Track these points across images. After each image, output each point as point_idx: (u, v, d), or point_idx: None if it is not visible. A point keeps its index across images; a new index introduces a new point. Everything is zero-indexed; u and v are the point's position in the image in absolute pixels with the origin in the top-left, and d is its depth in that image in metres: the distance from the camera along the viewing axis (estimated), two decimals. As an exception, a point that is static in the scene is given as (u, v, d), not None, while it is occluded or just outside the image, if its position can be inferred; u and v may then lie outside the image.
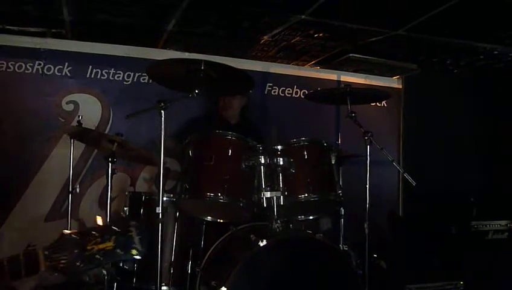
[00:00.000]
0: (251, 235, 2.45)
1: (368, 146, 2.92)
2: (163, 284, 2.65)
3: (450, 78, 4.88)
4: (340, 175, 3.16)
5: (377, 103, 4.71)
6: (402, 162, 4.73)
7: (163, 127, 2.40)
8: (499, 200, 4.52)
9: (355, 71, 4.71)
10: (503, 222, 4.38)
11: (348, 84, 3.26)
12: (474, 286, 3.95)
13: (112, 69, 4.08)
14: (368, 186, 2.96)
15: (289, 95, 4.59)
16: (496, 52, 4.10)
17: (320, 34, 3.81)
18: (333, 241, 3.02)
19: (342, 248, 3.21)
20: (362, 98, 3.27)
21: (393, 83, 4.89)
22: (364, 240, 3.96)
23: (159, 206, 2.36)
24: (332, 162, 2.73)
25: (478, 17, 3.36)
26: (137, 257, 1.26)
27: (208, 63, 2.55)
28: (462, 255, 4.18)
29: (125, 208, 2.98)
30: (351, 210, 3.31)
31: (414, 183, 2.99)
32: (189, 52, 4.20)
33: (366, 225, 2.92)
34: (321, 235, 2.59)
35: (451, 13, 3.22)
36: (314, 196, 2.63)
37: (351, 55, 4.23)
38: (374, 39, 3.85)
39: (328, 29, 3.70)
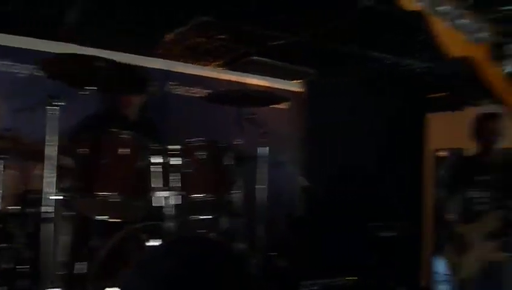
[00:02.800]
0: (143, 235, 2.44)
1: (264, 147, 3.01)
2: (53, 285, 2.56)
3: (348, 83, 5.12)
4: (242, 176, 3.24)
5: (280, 106, 4.85)
6: (303, 164, 4.91)
7: (54, 123, 2.33)
8: (385, 201, 4.83)
9: (258, 74, 4.81)
10: (391, 221, 4.70)
11: (244, 87, 3.33)
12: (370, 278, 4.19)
13: (7, 61, 3.86)
14: (264, 186, 3.04)
15: (193, 95, 4.60)
16: (388, 62, 4.36)
17: (223, 36, 3.86)
18: (231, 241, 3.08)
19: (238, 247, 3.29)
20: (259, 100, 3.34)
21: (295, 86, 5.06)
22: (265, 238, 4.06)
23: (47, 205, 2.28)
24: (230, 163, 2.77)
25: (369, 29, 3.56)
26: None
27: (104, 60, 2.50)
28: (359, 252, 4.43)
29: (12, 207, 2.85)
30: (252, 210, 3.40)
31: (307, 185, 3.12)
32: (90, 47, 4.07)
33: (262, 225, 2.99)
34: (215, 234, 2.63)
35: (351, 24, 3.40)
36: (210, 196, 2.66)
37: (254, 57, 4.33)
38: (276, 43, 3.97)
39: (231, 32, 3.76)
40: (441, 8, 1.24)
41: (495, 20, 1.31)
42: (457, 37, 1.28)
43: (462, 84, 5.22)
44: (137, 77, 2.82)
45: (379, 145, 5.15)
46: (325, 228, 4.44)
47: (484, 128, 3.69)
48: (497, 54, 3.83)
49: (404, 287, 4.51)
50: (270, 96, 3.63)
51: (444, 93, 5.67)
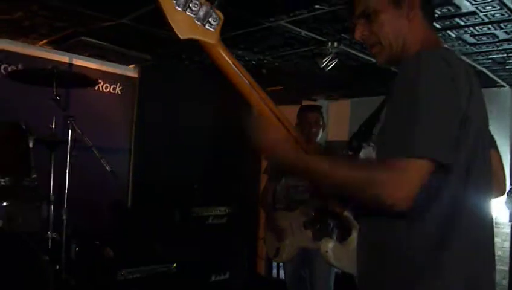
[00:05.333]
0: None
1: (70, 131, 2.88)
2: None
3: (184, 72, 5.12)
4: (53, 160, 3.07)
5: (112, 90, 4.71)
6: (134, 150, 4.81)
7: None
8: (220, 188, 4.93)
9: (89, 56, 4.61)
10: (223, 208, 4.80)
11: (56, 66, 3.15)
12: (191, 265, 4.24)
13: None
14: (68, 172, 2.91)
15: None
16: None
17: (45, 13, 3.61)
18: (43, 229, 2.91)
19: (50, 237, 3.13)
20: (71, 81, 3.18)
21: (130, 71, 4.94)
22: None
23: None
24: (30, 146, 2.60)
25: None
26: None
27: None
28: (184, 239, 4.46)
29: None
30: (75, 198, 3.25)
31: (109, 169, 3.04)
32: None
33: (64, 212, 2.85)
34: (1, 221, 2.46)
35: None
36: (4, 179, 2.48)
37: (82, 38, 4.12)
38: (104, 25, 3.81)
39: (53, 9, 3.53)
40: None
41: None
42: (187, 20, 1.31)
43: (296, 78, 5.51)
44: None
45: (214, 134, 5.23)
46: (154, 215, 4.40)
47: (305, 120, 3.89)
48: (319, 51, 4.07)
49: (236, 272, 4.66)
50: (80, 78, 3.45)
51: (279, 87, 5.93)
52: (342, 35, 3.80)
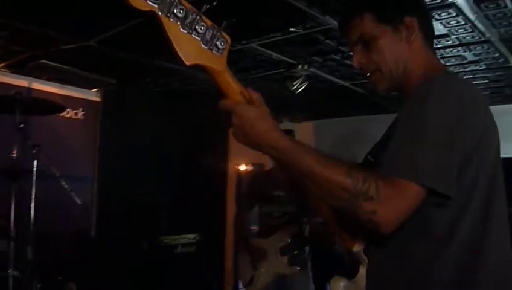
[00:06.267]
0: None
1: (36, 160, 2.69)
2: None
3: (149, 96, 4.98)
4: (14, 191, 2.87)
5: (73, 116, 4.50)
6: (97, 178, 4.59)
7: None
8: (187, 215, 4.77)
9: (48, 79, 4.39)
10: (191, 235, 4.64)
11: (19, 92, 2.96)
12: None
13: None
14: (33, 204, 2.72)
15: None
16: (186, 75, 4.31)
17: (3, 34, 3.41)
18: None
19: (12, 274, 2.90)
20: (36, 108, 3.00)
21: (92, 95, 4.74)
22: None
23: None
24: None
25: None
26: None
27: None
28: (152, 270, 4.27)
29: None
30: (37, 231, 3.04)
31: (80, 203, 2.87)
32: None
33: (29, 249, 2.65)
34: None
35: (141, 31, 3.23)
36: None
37: (42, 61, 3.92)
38: (66, 47, 3.63)
39: (12, 31, 3.33)
40: (176, 11, 1.13)
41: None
42: (193, 44, 1.18)
43: (264, 101, 5.45)
44: None
45: (180, 159, 5.08)
46: (121, 245, 4.20)
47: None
48: (289, 73, 4.04)
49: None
50: (45, 105, 3.27)
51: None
52: (313, 57, 3.77)
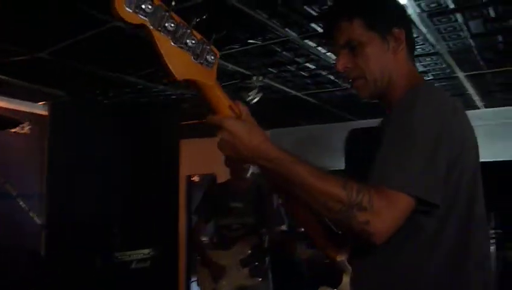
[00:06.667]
0: None
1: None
2: None
3: (100, 108, 4.84)
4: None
5: (19, 130, 4.30)
6: (46, 194, 4.40)
7: None
8: (141, 229, 4.67)
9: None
10: (146, 251, 4.54)
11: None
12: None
13: None
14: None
15: None
16: (140, 87, 4.24)
17: None
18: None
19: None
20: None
21: (39, 109, 4.55)
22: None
23: None
24: None
25: (120, 51, 3.37)
26: None
27: None
28: (107, 288, 4.14)
29: None
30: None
31: (39, 222, 2.75)
32: None
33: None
34: None
35: (95, 43, 3.15)
36: None
37: (-13, 74, 3.74)
38: (15, 59, 3.49)
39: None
40: (167, 25, 1.11)
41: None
42: (184, 58, 1.17)
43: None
44: None
45: (131, 172, 4.96)
46: (74, 262, 4.05)
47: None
48: (244, 84, 4.06)
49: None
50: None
51: (196, 120, 5.83)
52: (269, 69, 3.81)
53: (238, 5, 2.56)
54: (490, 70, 3.79)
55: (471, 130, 1.36)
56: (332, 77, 4.03)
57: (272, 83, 4.23)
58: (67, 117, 4.59)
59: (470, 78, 4.03)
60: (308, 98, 4.77)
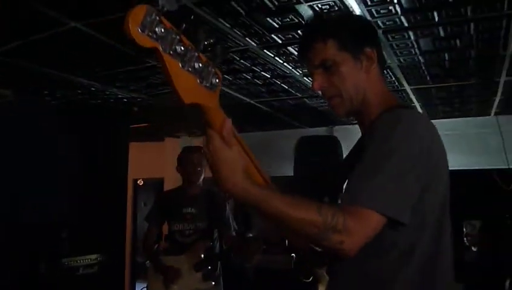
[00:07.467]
0: None
1: None
2: None
3: (48, 109, 4.69)
4: None
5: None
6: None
7: None
8: (88, 234, 4.55)
9: None
10: (94, 256, 4.45)
11: None
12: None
13: None
14: None
15: None
16: (93, 89, 4.16)
17: None
18: None
19: None
20: None
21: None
22: None
23: None
24: None
25: (74, 52, 3.30)
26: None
27: None
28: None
29: None
30: None
31: None
32: None
33: None
34: None
35: (47, 43, 3.07)
36: None
37: None
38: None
39: None
40: (177, 48, 1.12)
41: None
42: (191, 81, 1.18)
43: (164, 115, 5.41)
44: None
45: (78, 175, 4.82)
46: (16, 268, 3.91)
47: (188, 162, 3.84)
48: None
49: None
50: None
51: (145, 124, 5.78)
52: (224, 76, 3.84)
53: (201, 13, 2.58)
54: (435, 85, 4.00)
55: (443, 150, 1.45)
56: (286, 86, 4.11)
57: (227, 90, 4.27)
58: (12, 117, 4.41)
59: (415, 91, 4.24)
60: (260, 106, 4.85)
